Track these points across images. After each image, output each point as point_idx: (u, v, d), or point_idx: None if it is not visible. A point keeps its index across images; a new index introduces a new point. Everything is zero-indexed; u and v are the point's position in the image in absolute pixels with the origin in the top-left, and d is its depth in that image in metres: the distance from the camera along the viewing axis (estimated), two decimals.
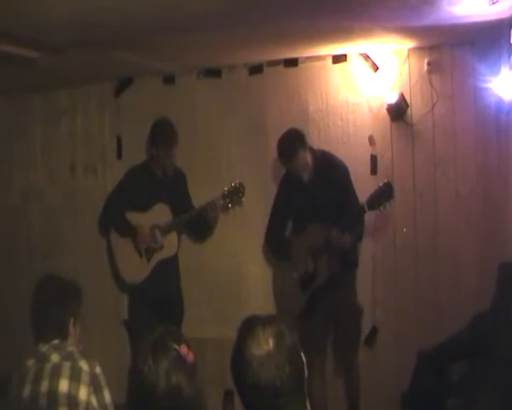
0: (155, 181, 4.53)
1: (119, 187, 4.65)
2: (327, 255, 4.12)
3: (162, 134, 4.44)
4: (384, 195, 3.97)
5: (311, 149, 4.26)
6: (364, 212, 4.02)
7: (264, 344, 1.75)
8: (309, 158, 4.19)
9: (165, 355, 1.80)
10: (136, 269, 4.51)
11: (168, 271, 4.52)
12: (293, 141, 4.13)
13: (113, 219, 4.60)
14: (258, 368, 1.73)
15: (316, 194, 4.19)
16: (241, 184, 4.45)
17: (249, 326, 1.80)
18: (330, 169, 4.22)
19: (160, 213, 4.46)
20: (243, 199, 4.48)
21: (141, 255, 4.51)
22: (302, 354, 1.82)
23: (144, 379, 1.77)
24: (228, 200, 4.42)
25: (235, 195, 4.43)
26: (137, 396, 1.81)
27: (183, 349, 1.83)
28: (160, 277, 4.47)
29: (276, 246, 4.51)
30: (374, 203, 3.97)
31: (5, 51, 3.68)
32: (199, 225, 4.55)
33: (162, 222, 4.45)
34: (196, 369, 1.86)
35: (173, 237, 4.51)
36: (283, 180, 4.41)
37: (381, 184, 4.02)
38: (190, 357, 1.84)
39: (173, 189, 4.57)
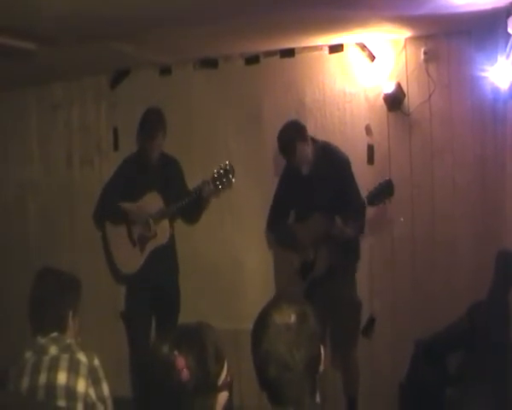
0: (146, 170, 4.51)
1: (112, 179, 4.64)
2: (327, 245, 4.12)
3: (148, 122, 4.44)
4: (384, 192, 3.96)
5: (313, 141, 4.25)
6: (364, 207, 4.01)
7: (286, 316, 1.78)
8: (308, 151, 4.18)
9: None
10: (130, 259, 4.49)
11: (163, 260, 4.49)
12: (291, 136, 4.13)
13: (106, 210, 4.58)
14: (274, 336, 1.76)
15: (315, 185, 4.18)
16: (230, 165, 4.35)
17: (275, 300, 1.88)
18: (330, 161, 4.20)
19: (152, 202, 4.44)
20: (233, 180, 4.37)
21: (134, 245, 4.50)
22: (322, 348, 1.84)
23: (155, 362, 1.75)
24: (218, 182, 4.34)
25: (224, 177, 4.34)
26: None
27: (180, 362, 1.72)
28: (155, 266, 4.44)
29: (278, 234, 4.50)
30: (374, 200, 3.96)
31: (1, 44, 3.66)
32: (192, 208, 4.49)
33: (154, 210, 4.44)
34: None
35: (165, 224, 4.49)
36: (284, 170, 4.41)
37: (381, 181, 4.00)
38: (184, 374, 1.71)
39: (165, 177, 4.53)
